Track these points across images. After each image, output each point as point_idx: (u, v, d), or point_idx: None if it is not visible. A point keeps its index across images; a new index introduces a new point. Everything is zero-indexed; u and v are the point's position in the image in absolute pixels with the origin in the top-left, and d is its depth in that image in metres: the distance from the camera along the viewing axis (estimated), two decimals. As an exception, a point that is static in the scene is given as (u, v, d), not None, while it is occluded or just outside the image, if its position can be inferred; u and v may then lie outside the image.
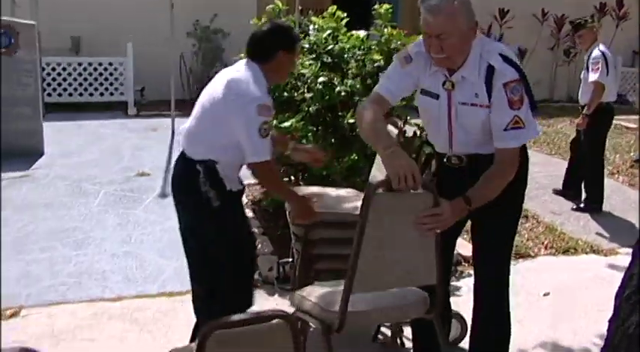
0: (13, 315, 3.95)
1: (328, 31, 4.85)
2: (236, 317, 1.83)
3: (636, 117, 11.44)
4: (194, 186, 3.00)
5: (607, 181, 6.60)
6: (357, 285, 2.49)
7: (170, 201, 5.91)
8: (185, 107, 10.73)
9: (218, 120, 2.98)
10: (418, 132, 4.79)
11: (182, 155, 3.12)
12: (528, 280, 4.54)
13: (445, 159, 2.90)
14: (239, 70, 3.06)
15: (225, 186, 3.02)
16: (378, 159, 3.63)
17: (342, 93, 4.59)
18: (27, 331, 3.75)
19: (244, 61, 3.11)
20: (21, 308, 4.02)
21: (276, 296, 4.26)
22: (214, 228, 3.08)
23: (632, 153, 8.69)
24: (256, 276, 4.46)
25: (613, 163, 8.09)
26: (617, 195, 6.82)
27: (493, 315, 2.98)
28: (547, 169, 7.51)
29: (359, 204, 3.67)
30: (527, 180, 2.95)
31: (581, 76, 6.37)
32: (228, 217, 3.09)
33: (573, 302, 4.29)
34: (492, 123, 2.66)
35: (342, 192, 3.98)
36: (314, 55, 4.77)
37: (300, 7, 8.25)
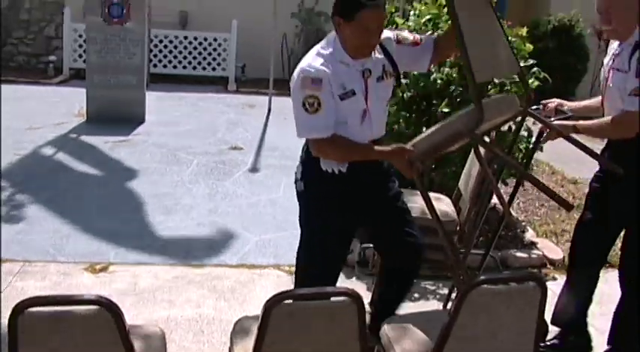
0: (102, 270, 4.15)
1: (427, 17, 4.76)
2: (301, 290, 1.84)
3: None
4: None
5: None
6: None
7: (259, 176, 6.01)
8: (283, 86, 10.88)
9: None
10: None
11: None
12: (616, 290, 4.33)
13: None
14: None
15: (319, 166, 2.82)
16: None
17: (438, 82, 4.51)
18: (112, 286, 3.92)
19: None
20: (109, 265, 4.21)
21: (354, 279, 4.26)
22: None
23: None
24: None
25: None
26: None
27: None
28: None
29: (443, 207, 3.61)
30: None
31: None
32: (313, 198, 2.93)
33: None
34: None
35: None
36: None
37: (405, -7, 8.17)
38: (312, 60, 2.68)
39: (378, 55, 2.79)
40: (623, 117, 2.98)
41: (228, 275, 4.20)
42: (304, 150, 2.91)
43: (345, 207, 2.84)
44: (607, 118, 3.11)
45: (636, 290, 3.29)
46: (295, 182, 2.97)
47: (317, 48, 2.75)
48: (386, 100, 2.92)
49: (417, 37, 2.90)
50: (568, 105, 3.44)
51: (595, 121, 3.16)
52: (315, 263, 2.97)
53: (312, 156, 2.80)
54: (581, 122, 3.15)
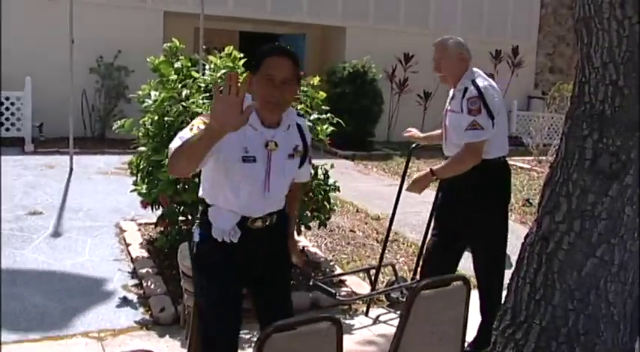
0: None
1: (223, 71, 4.87)
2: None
3: (530, 158, 12.06)
4: None
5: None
6: None
7: (61, 241, 5.68)
8: (85, 144, 10.58)
9: None
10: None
11: None
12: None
13: None
14: None
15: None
16: None
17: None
18: None
19: None
20: None
21: (167, 337, 4.16)
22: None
23: (524, 193, 9.10)
24: (147, 317, 4.38)
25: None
26: (509, 234, 7.05)
27: None
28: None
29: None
30: (503, 198, 3.90)
31: None
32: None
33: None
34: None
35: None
36: (208, 94, 4.77)
37: (204, 46, 8.29)
38: None
39: (291, 130, 2.72)
40: (468, 149, 3.55)
41: None
42: (200, 211, 2.79)
43: (231, 274, 2.72)
44: (454, 157, 3.65)
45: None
46: (189, 243, 2.85)
47: None
48: (290, 178, 2.82)
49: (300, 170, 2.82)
50: (418, 135, 4.32)
51: (445, 163, 3.70)
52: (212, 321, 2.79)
53: (206, 220, 2.69)
54: (435, 167, 3.72)
